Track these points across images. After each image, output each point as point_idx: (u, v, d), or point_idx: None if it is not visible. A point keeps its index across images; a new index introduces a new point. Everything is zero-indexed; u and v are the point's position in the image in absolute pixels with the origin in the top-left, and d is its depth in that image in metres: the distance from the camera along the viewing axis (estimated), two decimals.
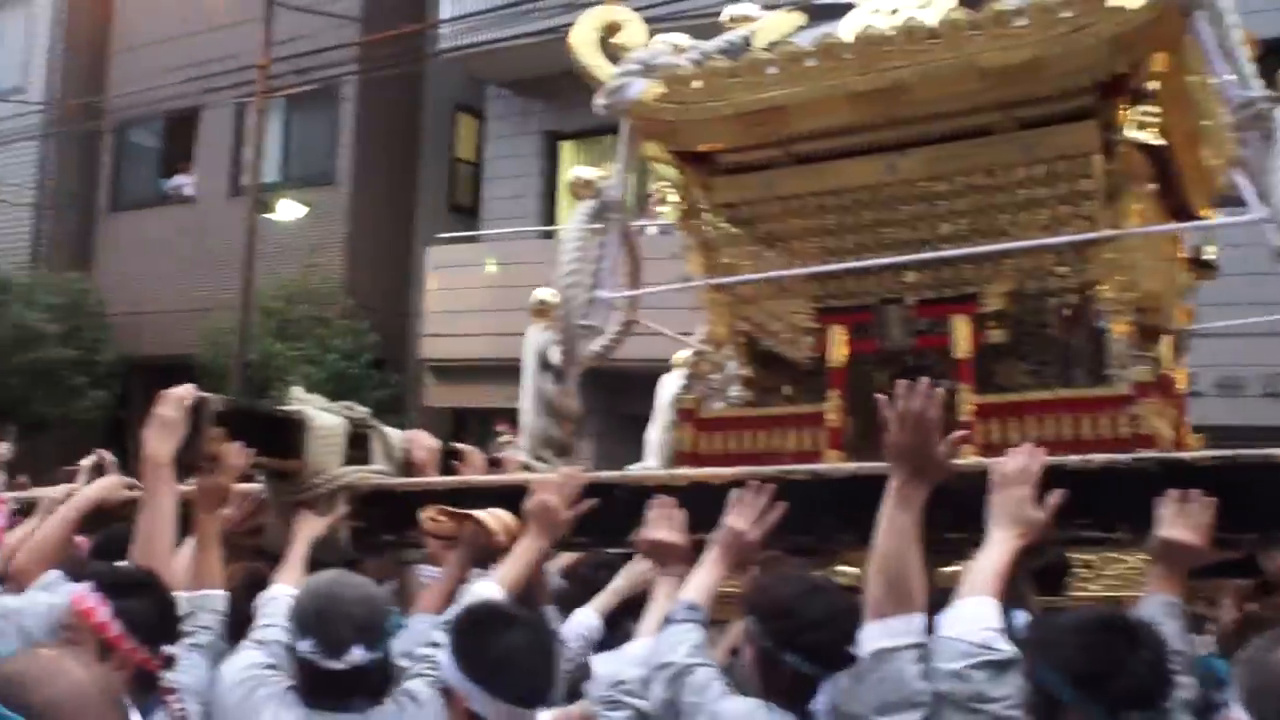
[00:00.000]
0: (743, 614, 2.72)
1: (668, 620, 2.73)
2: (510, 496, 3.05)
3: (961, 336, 3.67)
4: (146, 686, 2.62)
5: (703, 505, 2.83)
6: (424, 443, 3.74)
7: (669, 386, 5.06)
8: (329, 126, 18.25)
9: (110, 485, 3.71)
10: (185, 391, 3.12)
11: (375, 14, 17.64)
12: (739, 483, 2.83)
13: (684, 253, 4.33)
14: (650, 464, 4.91)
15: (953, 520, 2.64)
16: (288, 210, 16.61)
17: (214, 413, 3.15)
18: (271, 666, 2.76)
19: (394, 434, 3.61)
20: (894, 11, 3.94)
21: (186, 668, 2.78)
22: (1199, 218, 4.33)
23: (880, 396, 2.68)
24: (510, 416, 15.32)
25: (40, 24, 20.49)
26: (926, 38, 3.57)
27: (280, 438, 3.32)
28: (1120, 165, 3.69)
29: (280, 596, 2.95)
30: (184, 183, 19.64)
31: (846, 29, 3.88)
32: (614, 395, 16.28)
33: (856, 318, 3.85)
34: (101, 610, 2.59)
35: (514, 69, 16.83)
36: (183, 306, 17.43)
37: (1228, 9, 3.43)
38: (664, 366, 5.23)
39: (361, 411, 3.59)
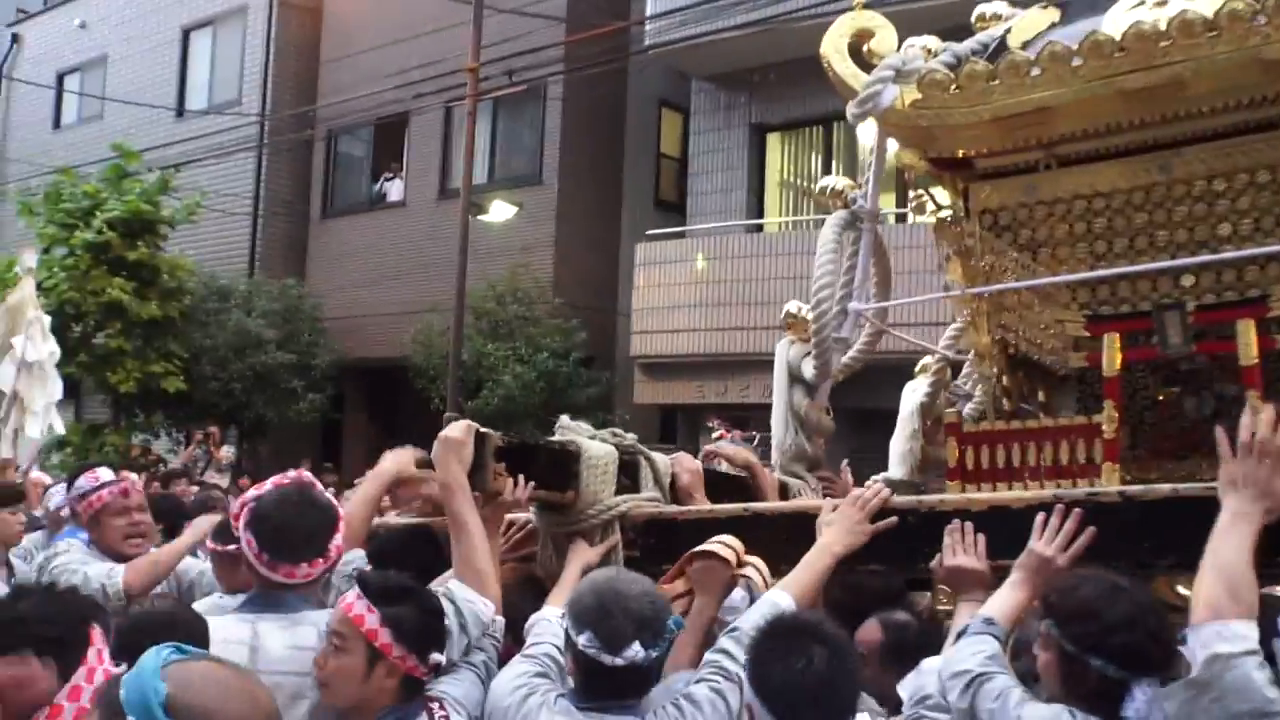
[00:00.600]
0: (1040, 617, 2.71)
1: (962, 633, 2.76)
2: (793, 525, 3.08)
3: (1248, 341, 3.57)
4: (412, 691, 2.78)
5: (1001, 529, 2.85)
6: (687, 465, 3.82)
7: (913, 393, 5.05)
8: (536, 127, 18.67)
9: (404, 459, 3.85)
10: (468, 423, 3.29)
11: (580, 13, 17.94)
12: (1042, 506, 2.83)
13: (943, 262, 4.32)
14: (894, 473, 4.91)
15: None
16: (497, 211, 17.03)
17: (495, 448, 3.29)
18: (543, 675, 2.85)
19: (661, 460, 3.69)
20: (1161, 4, 3.85)
21: (456, 681, 2.92)
22: None
23: (1219, 430, 2.67)
24: (720, 411, 15.50)
25: (254, 38, 21.55)
26: (1205, 30, 3.47)
27: (555, 469, 3.42)
28: None
29: (551, 618, 3.05)
30: (393, 187, 20.38)
31: (1113, 24, 3.81)
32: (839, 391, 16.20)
33: (1131, 324, 3.78)
34: (370, 618, 2.75)
35: (718, 63, 16.94)
36: (394, 310, 18.13)
37: None
38: (893, 361, 5.19)
39: (629, 438, 3.70)
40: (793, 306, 4.45)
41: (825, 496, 4.18)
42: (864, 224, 4.27)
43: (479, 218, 16.66)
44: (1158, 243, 3.77)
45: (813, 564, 3.07)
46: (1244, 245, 3.62)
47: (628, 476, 3.59)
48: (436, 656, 2.80)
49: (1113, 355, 3.76)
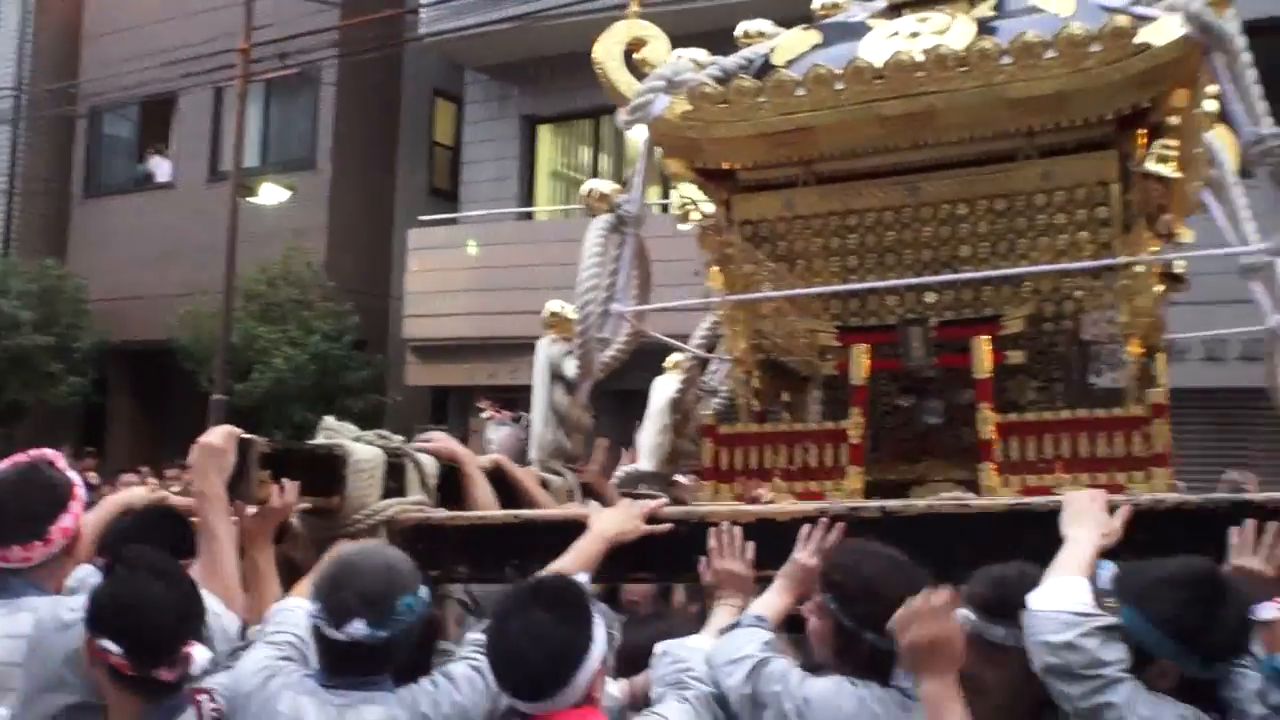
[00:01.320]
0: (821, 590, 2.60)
1: (734, 625, 2.63)
2: (568, 531, 2.88)
3: (982, 357, 3.59)
4: (156, 693, 2.42)
5: (767, 539, 2.73)
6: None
7: (663, 388, 4.94)
8: (309, 111, 17.94)
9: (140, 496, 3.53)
10: (230, 430, 2.97)
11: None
12: (807, 518, 2.73)
13: (703, 269, 4.21)
14: (644, 465, 4.78)
15: None
16: (269, 194, 16.30)
17: (260, 454, 2.98)
18: (286, 659, 2.58)
19: (428, 462, 3.42)
20: (914, 35, 3.83)
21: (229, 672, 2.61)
22: (1175, 236, 4.32)
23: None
24: (490, 393, 15.35)
25: (9, 7, 19.91)
26: (957, 65, 3.47)
27: (321, 474, 3.12)
28: (1137, 195, 3.63)
29: (293, 606, 2.75)
30: (161, 167, 19.20)
31: (871, 51, 3.78)
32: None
33: (878, 336, 3.75)
34: None
35: (491, 54, 16.65)
36: (161, 292, 17.00)
37: (1242, 47, 3.38)
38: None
39: (396, 440, 3.43)
40: (555, 305, 4.22)
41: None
42: (628, 229, 4.09)
43: (250, 200, 15.89)
44: (904, 261, 3.76)
45: (582, 549, 2.86)
46: (981, 267, 3.65)
47: (396, 480, 3.30)
48: (108, 644, 2.38)
49: (860, 365, 3.72)
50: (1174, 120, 3.55)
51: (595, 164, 17.93)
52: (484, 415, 13.95)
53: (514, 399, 15.35)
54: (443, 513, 3.26)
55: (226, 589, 2.76)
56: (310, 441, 3.34)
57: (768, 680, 2.48)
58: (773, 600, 2.68)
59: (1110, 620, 2.25)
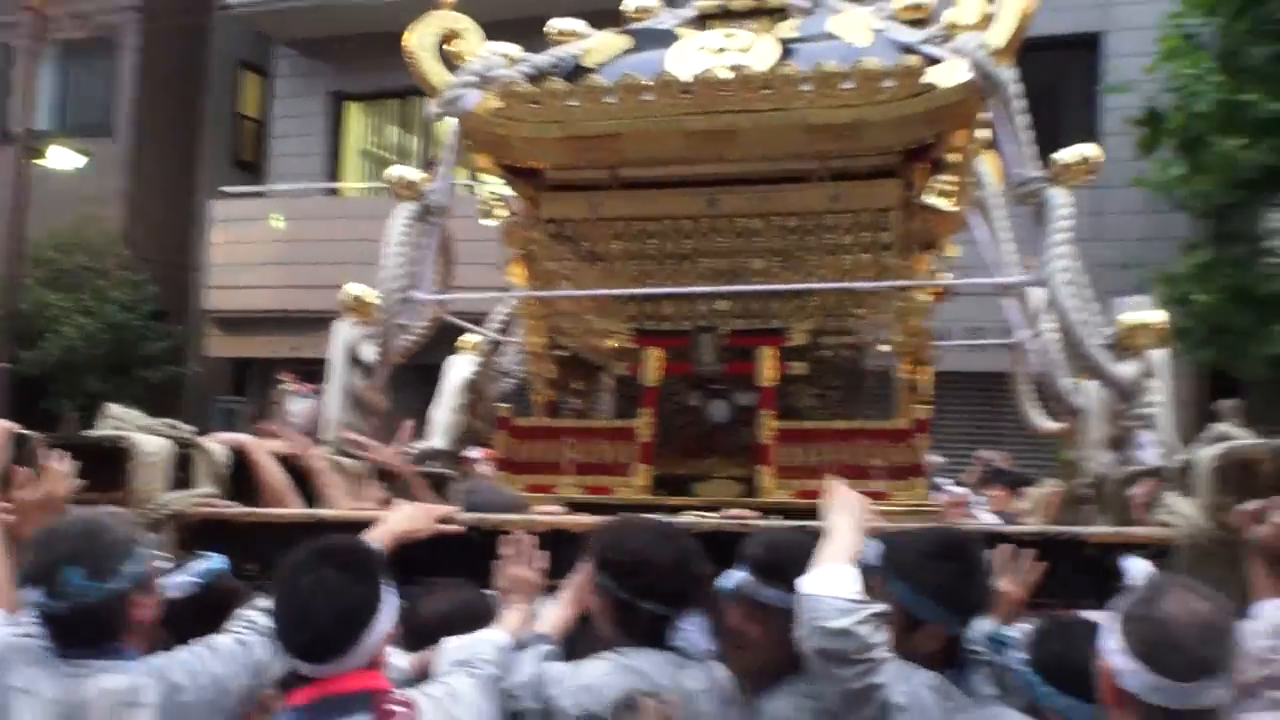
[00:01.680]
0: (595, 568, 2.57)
1: (521, 644, 2.57)
2: (359, 529, 2.74)
3: (767, 366, 3.64)
4: None
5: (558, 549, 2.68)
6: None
7: (457, 369, 4.83)
8: (107, 77, 16.87)
9: None
10: (5, 425, 2.76)
11: None
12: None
13: (503, 262, 4.13)
14: (437, 443, 4.67)
15: None
16: (61, 159, 15.15)
17: (34, 449, 2.74)
18: (26, 635, 2.35)
19: (218, 451, 3.23)
20: (720, 50, 3.84)
21: None
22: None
23: None
24: (293, 366, 14.87)
25: None
26: (760, 86, 3.49)
27: (105, 466, 2.89)
28: (916, 223, 3.74)
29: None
30: None
31: (677, 64, 3.76)
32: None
33: (671, 341, 3.76)
34: None
35: (302, 29, 16.10)
36: None
37: (1017, 94, 3.52)
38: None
39: (186, 429, 3.22)
40: (356, 289, 4.06)
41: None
42: (433, 218, 3.97)
43: (41, 164, 14.80)
44: (699, 269, 3.76)
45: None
46: (772, 281, 3.68)
47: (183, 470, 3.09)
48: None
49: (653, 368, 3.72)
50: (953, 157, 3.67)
51: (404, 143, 17.56)
52: (285, 388, 13.60)
53: (316, 372, 14.92)
54: (235, 508, 3.07)
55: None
56: (94, 431, 3.09)
57: (547, 685, 2.45)
58: (556, 614, 2.64)
59: (881, 608, 2.30)
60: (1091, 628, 2.13)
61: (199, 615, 2.51)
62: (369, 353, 3.98)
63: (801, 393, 3.92)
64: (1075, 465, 4.15)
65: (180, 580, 2.61)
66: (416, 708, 2.18)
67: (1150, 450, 3.54)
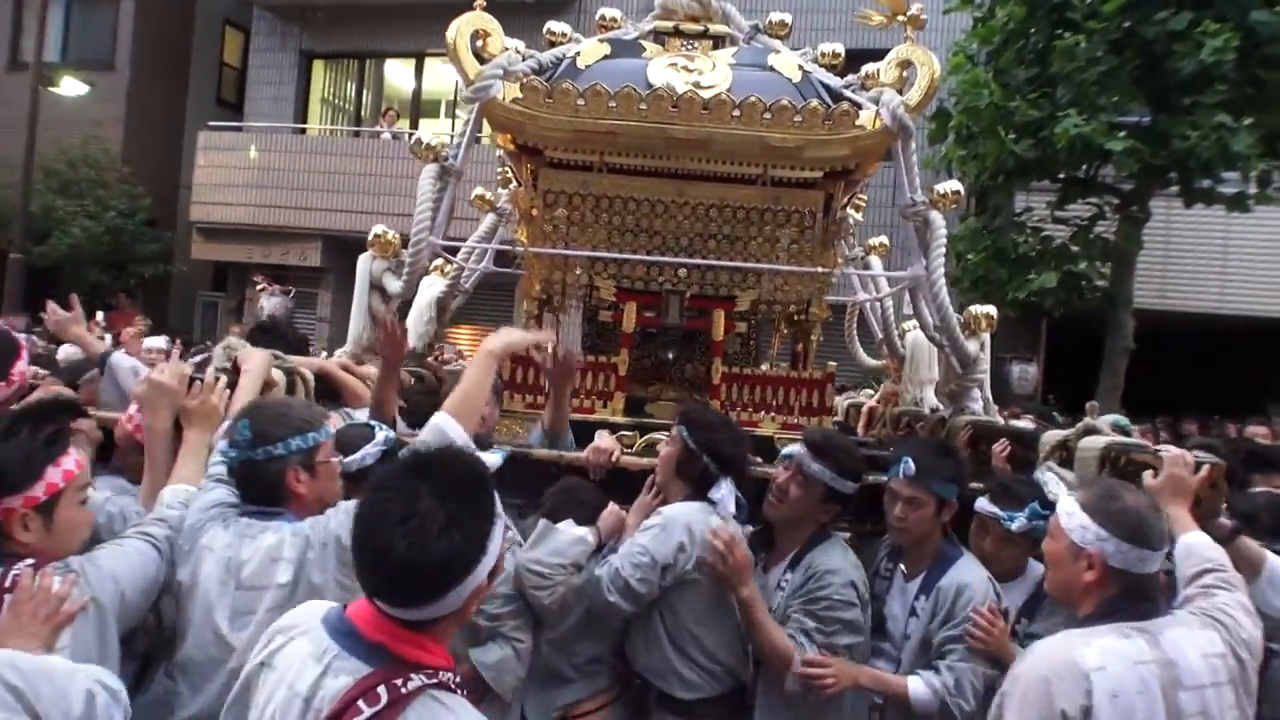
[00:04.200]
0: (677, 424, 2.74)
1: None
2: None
3: (718, 325, 3.60)
4: None
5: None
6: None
7: (429, 287, 4.57)
8: (109, 20, 15.90)
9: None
10: (181, 369, 2.58)
11: None
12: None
13: (514, 223, 3.94)
14: (414, 346, 4.44)
15: None
16: (69, 87, 14.12)
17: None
18: (227, 505, 2.22)
19: (309, 376, 2.99)
20: (689, 70, 3.72)
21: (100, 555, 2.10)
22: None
23: None
24: (264, 269, 14.41)
25: None
26: (732, 109, 3.41)
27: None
28: (834, 226, 3.73)
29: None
30: None
31: (659, 76, 3.63)
32: (350, 259, 15.46)
33: (645, 299, 3.67)
34: None
35: None
36: None
37: (913, 134, 3.53)
38: None
39: (290, 360, 3.02)
40: (379, 229, 3.85)
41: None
42: (449, 178, 3.76)
43: (51, 90, 13.63)
44: (668, 243, 3.67)
45: (471, 373, 2.43)
46: (724, 257, 3.63)
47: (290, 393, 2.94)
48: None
49: (630, 318, 3.64)
50: (865, 179, 3.67)
51: (360, 97, 16.77)
52: (259, 287, 13.14)
53: (284, 275, 14.46)
54: None
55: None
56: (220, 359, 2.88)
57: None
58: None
59: None
60: None
61: None
62: (392, 283, 3.76)
63: (748, 349, 3.92)
64: (896, 393, 4.34)
65: (364, 452, 2.48)
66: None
67: (978, 403, 3.69)
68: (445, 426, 2.25)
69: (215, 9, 16.75)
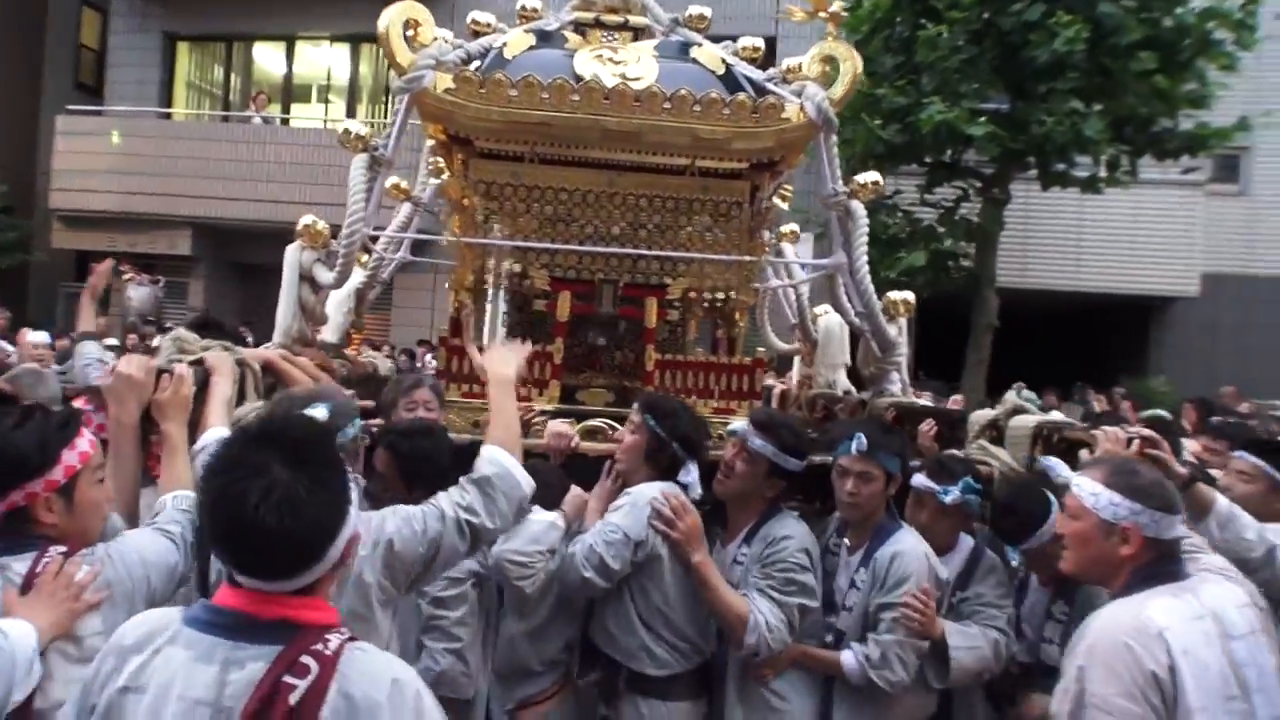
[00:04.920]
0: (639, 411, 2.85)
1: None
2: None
3: (651, 313, 3.68)
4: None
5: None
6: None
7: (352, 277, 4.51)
8: None
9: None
10: (145, 361, 2.52)
11: None
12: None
13: (444, 214, 3.89)
14: (328, 338, 4.35)
15: None
16: None
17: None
18: None
19: (256, 368, 2.90)
20: (614, 62, 3.77)
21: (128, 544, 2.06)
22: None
23: None
24: (130, 259, 13.68)
25: None
26: (664, 102, 3.47)
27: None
28: (759, 215, 3.86)
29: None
30: None
31: (586, 68, 3.66)
32: (222, 247, 14.72)
33: (578, 287, 3.70)
34: None
35: None
36: None
37: (836, 127, 3.68)
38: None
39: (239, 352, 2.90)
40: (307, 219, 3.75)
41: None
42: (380, 168, 3.69)
43: None
44: (600, 232, 3.71)
45: (502, 410, 2.47)
46: (654, 247, 3.70)
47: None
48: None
49: (564, 307, 3.68)
50: (789, 170, 3.81)
51: (228, 81, 15.96)
52: (125, 277, 12.41)
53: (151, 265, 13.70)
54: None
55: (126, 505, 2.32)
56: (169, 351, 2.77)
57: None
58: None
59: None
60: None
61: None
62: (323, 274, 3.68)
63: (678, 336, 4.00)
64: (810, 376, 4.54)
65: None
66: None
67: (896, 385, 3.90)
68: (501, 459, 2.33)
69: None
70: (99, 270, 4.55)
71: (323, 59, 16.02)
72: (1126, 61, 9.83)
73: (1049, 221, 13.99)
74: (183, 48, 15.43)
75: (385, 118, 15.43)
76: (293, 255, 3.75)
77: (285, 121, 15.22)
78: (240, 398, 2.83)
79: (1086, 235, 14.20)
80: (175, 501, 2.24)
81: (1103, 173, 10.94)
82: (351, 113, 15.66)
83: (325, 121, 15.66)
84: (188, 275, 14.63)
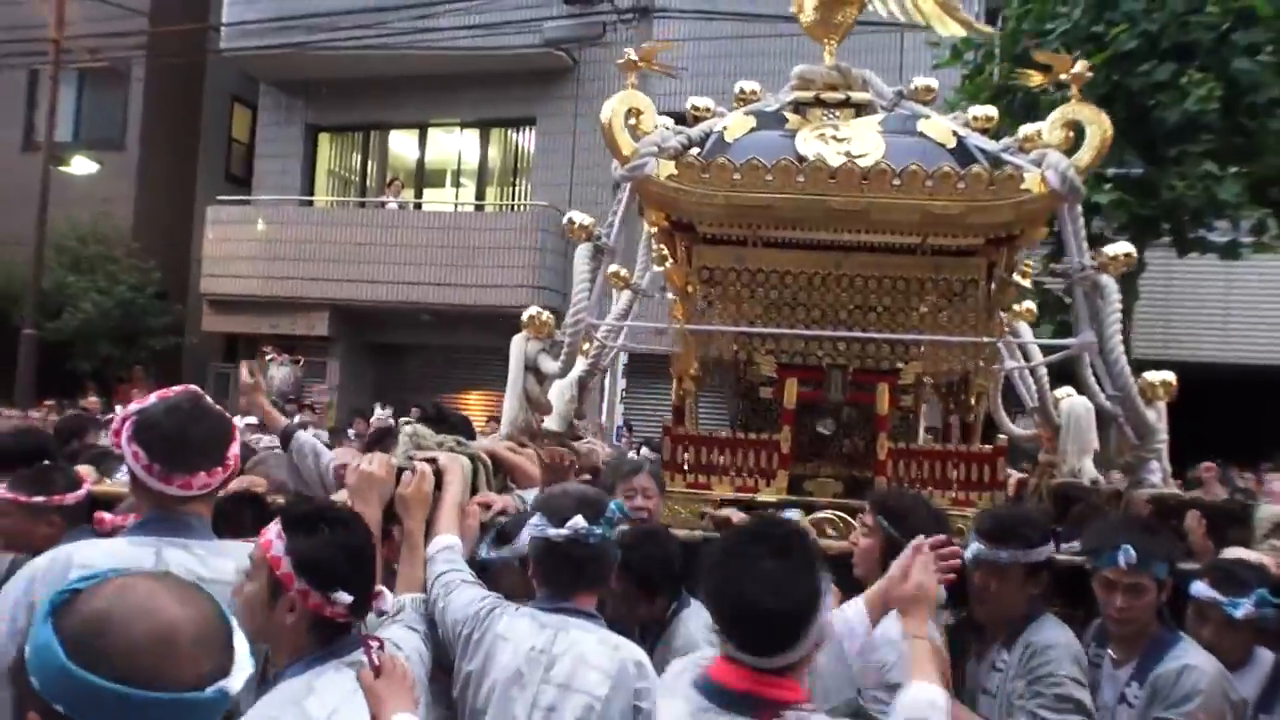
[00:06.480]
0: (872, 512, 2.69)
1: None
2: None
3: (883, 399, 3.48)
4: (328, 635, 1.81)
5: None
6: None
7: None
8: (120, 101, 16.16)
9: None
10: (388, 459, 2.58)
11: (162, 7, 15.60)
12: None
13: (670, 300, 3.82)
14: (552, 426, 4.25)
15: None
16: (80, 166, 14.35)
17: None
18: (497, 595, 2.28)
19: (489, 462, 2.89)
20: (838, 139, 3.64)
21: (401, 637, 2.11)
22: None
23: None
24: (272, 340, 14.39)
25: None
26: (893, 178, 3.33)
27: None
28: (997, 293, 3.65)
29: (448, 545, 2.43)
30: None
31: (808, 148, 3.54)
32: (357, 327, 15.29)
33: (805, 373, 3.54)
34: (276, 545, 1.80)
35: (281, 72, 15.49)
36: None
37: (1082, 198, 3.46)
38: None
39: (471, 446, 2.89)
40: (533, 310, 3.73)
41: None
42: (603, 256, 3.64)
43: (62, 169, 13.79)
44: (827, 316, 3.56)
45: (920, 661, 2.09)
46: (885, 330, 3.52)
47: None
48: (343, 596, 1.78)
49: (791, 394, 3.51)
50: (1030, 244, 3.60)
51: (365, 168, 16.79)
52: (268, 357, 13.07)
53: (292, 345, 14.33)
54: None
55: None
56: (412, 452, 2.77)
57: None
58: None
59: None
60: None
61: None
62: (548, 364, 3.61)
63: (910, 424, 3.80)
64: (1052, 464, 4.20)
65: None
66: None
67: (1156, 475, 3.58)
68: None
69: (223, 86, 16.80)
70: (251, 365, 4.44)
71: (453, 144, 16.63)
72: (1265, 120, 9.28)
73: (1192, 290, 13.24)
74: (323, 138, 16.28)
75: (514, 199, 15.86)
76: (518, 346, 3.71)
77: (418, 206, 15.82)
78: (473, 491, 2.79)
79: (1234, 304, 13.38)
80: (414, 604, 2.30)
81: (1246, 238, 10.27)
82: (481, 195, 16.15)
83: (455, 205, 16.20)
84: (325, 355, 15.14)
